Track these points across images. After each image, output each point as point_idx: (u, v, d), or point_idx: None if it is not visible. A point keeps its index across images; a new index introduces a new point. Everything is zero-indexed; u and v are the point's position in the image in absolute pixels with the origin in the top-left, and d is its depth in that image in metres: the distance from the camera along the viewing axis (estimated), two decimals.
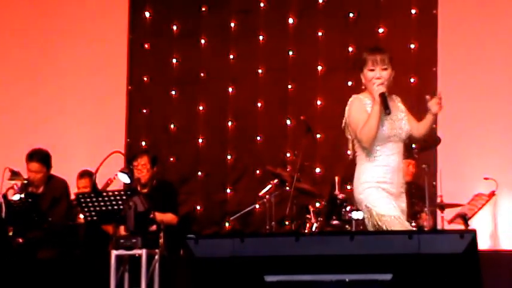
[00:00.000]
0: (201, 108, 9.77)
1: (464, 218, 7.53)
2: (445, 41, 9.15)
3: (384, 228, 4.81)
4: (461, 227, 7.43)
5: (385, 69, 4.99)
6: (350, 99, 5.10)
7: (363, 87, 5.13)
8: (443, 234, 5.70)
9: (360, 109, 5.00)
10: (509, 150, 8.51)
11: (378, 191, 4.89)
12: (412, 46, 9.33)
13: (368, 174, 4.93)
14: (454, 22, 9.13)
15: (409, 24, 9.40)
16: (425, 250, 5.06)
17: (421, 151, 7.82)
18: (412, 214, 7.11)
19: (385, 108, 4.91)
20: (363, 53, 5.11)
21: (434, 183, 8.18)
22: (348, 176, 8.91)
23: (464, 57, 9.00)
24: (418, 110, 8.99)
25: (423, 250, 5.04)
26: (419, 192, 7.65)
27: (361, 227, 6.66)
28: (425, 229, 6.94)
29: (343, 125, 5.13)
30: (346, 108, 5.09)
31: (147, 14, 9.97)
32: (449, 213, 7.67)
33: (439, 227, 7.55)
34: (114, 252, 6.82)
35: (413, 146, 7.66)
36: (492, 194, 7.61)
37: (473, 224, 7.52)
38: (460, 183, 8.44)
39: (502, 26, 8.92)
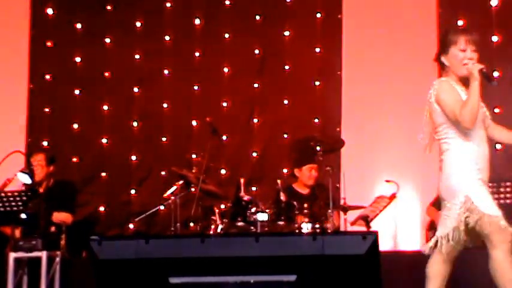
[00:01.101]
0: (105, 108, 9.63)
1: (366, 220, 7.64)
2: (349, 45, 9.28)
3: (487, 230, 4.68)
4: (364, 228, 7.54)
5: (475, 51, 4.88)
6: (435, 85, 4.87)
7: (445, 70, 4.89)
8: (346, 236, 5.79)
9: (452, 91, 4.82)
10: (410, 153, 8.68)
11: (480, 183, 4.74)
12: (317, 50, 9.43)
13: (466, 159, 4.76)
14: (358, 26, 9.26)
15: (314, 28, 9.50)
16: (329, 251, 5.13)
17: (325, 153, 7.90)
18: (316, 216, 7.17)
19: (491, 80, 4.78)
20: (451, 32, 4.95)
21: (337, 185, 8.28)
22: (254, 178, 9.02)
23: (368, 61, 9.14)
24: (322, 112, 9.25)
25: (327, 251, 5.11)
26: (324, 194, 7.73)
27: (266, 229, 6.68)
28: (329, 231, 7.00)
29: (426, 113, 4.95)
30: (432, 94, 4.87)
31: (49, 11, 9.76)
32: (352, 215, 7.77)
33: (342, 228, 7.64)
34: (12, 255, 6.65)
35: (318, 148, 7.73)
36: (393, 196, 7.74)
37: (375, 225, 7.64)
38: (363, 185, 8.58)
39: (405, 31, 9.10)
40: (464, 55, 4.85)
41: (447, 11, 9.11)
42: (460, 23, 9.07)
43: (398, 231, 8.82)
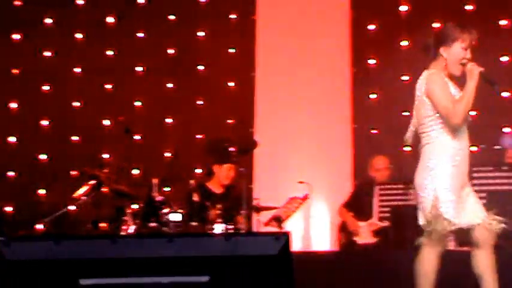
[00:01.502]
0: (14, 106, 9.41)
1: (279, 221, 7.67)
2: (262, 47, 9.30)
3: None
4: (276, 229, 7.57)
5: (472, 52, 4.90)
6: (427, 75, 4.86)
7: (438, 63, 4.87)
8: (258, 237, 5.80)
9: (445, 85, 4.81)
10: (322, 154, 8.77)
11: (450, 178, 4.78)
12: (231, 50, 9.43)
13: (446, 154, 4.79)
14: (272, 28, 9.30)
15: (228, 29, 9.50)
16: (242, 252, 5.12)
17: (239, 154, 7.90)
18: (229, 217, 7.17)
19: (493, 84, 4.78)
20: (455, 28, 4.89)
21: (251, 186, 8.29)
22: (167, 178, 8.95)
23: (281, 63, 9.19)
24: (235, 113, 9.25)
25: (240, 252, 5.10)
26: (237, 195, 7.74)
27: (179, 229, 6.64)
28: (242, 231, 7.00)
29: (416, 102, 4.91)
30: (422, 83, 4.87)
31: None
32: (265, 216, 7.79)
33: (254, 229, 7.65)
34: None
35: (232, 149, 7.72)
36: (306, 197, 7.79)
37: (287, 226, 7.68)
38: (276, 186, 8.61)
39: (318, 33, 9.18)
40: (465, 54, 4.86)
41: (360, 13, 9.24)
42: (371, 27, 9.22)
43: (311, 231, 8.89)
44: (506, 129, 8.25)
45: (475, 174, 6.91)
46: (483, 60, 4.93)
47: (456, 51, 4.84)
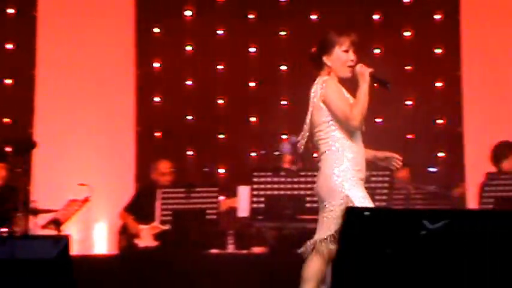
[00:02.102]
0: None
1: (58, 224, 7.47)
2: (43, 44, 9.04)
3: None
4: (55, 232, 7.37)
5: (355, 52, 4.88)
6: (321, 81, 4.83)
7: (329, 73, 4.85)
8: (36, 240, 5.62)
9: (340, 90, 4.82)
10: (105, 157, 8.67)
11: (360, 184, 4.77)
12: (9, 47, 9.09)
13: (348, 160, 4.76)
14: (53, 25, 9.07)
15: (5, 25, 9.15)
16: (19, 255, 4.93)
17: (16, 155, 7.61)
18: (5, 219, 6.89)
19: (385, 84, 4.77)
20: (332, 34, 4.87)
21: (28, 187, 8.01)
22: None
23: (64, 62, 8.97)
24: (13, 112, 8.91)
25: (17, 255, 4.90)
26: (13, 196, 7.44)
27: None
28: (18, 235, 6.75)
29: (311, 109, 4.81)
30: (317, 89, 4.82)
31: None
32: (43, 218, 7.56)
33: (32, 232, 7.40)
34: None
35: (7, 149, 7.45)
36: (86, 200, 7.65)
37: (66, 229, 7.50)
38: (55, 188, 8.38)
39: (102, 34, 9.05)
40: (347, 56, 4.87)
41: (145, 15, 9.22)
42: (156, 30, 9.22)
43: (91, 235, 8.74)
44: (284, 136, 8.53)
45: (255, 179, 7.09)
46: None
47: (338, 56, 4.88)
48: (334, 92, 4.81)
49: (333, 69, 4.89)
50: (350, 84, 4.92)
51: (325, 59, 4.89)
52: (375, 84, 4.90)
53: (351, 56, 4.88)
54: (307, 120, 4.90)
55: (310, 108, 4.87)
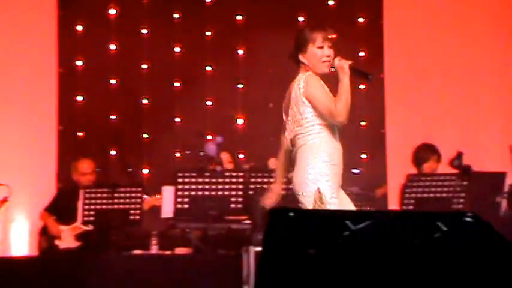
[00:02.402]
0: None
1: None
2: None
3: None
4: None
5: (331, 47, 4.84)
6: (304, 77, 4.80)
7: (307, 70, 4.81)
8: None
9: (322, 86, 4.80)
10: (25, 156, 8.53)
11: (332, 179, 4.76)
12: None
13: (325, 154, 4.77)
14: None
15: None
16: None
17: None
18: None
19: (367, 76, 4.71)
20: (307, 31, 4.83)
21: None
22: None
23: None
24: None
25: None
26: None
27: None
28: None
29: (292, 105, 4.80)
30: (299, 85, 4.79)
31: None
32: None
33: None
34: None
35: None
36: (5, 200, 7.49)
37: None
38: None
39: (24, 30, 8.89)
40: (322, 52, 4.83)
41: (67, 13, 9.08)
42: (79, 27, 9.10)
43: (10, 236, 8.58)
44: (209, 137, 8.52)
45: (180, 180, 7.06)
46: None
47: (312, 53, 4.85)
48: (317, 88, 4.81)
49: (310, 67, 4.88)
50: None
51: (301, 57, 4.90)
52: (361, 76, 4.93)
53: (326, 51, 4.86)
54: (290, 118, 4.89)
55: (292, 105, 4.86)
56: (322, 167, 4.77)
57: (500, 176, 7.38)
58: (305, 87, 4.81)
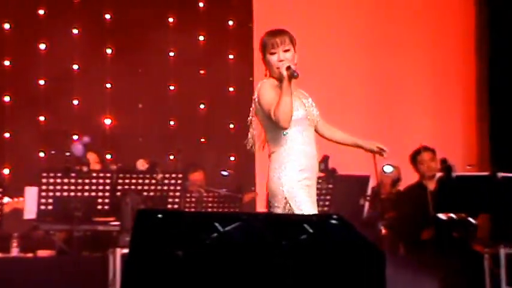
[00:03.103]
0: None
1: None
2: None
3: None
4: None
5: (287, 50, 4.75)
6: (259, 85, 4.79)
7: (266, 75, 4.79)
8: None
9: (271, 90, 4.73)
10: None
11: (300, 186, 4.69)
12: None
13: (290, 161, 4.71)
14: None
15: None
16: None
17: None
18: None
19: (293, 73, 4.59)
20: (264, 37, 4.80)
21: None
22: None
23: None
24: None
25: None
26: None
27: None
28: None
29: (250, 116, 4.80)
30: (255, 94, 4.78)
31: None
32: None
33: None
34: None
35: None
36: None
37: None
38: None
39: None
40: (276, 57, 4.76)
41: None
42: (7, 26, 8.77)
43: None
44: (75, 136, 8.36)
45: (44, 180, 6.88)
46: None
47: (268, 59, 4.83)
48: (264, 95, 4.79)
49: (269, 73, 4.87)
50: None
51: (263, 62, 4.91)
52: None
53: (281, 55, 4.80)
54: (250, 121, 4.90)
55: (253, 111, 4.87)
56: (288, 177, 4.77)
57: (364, 180, 7.56)
58: (257, 92, 4.86)
